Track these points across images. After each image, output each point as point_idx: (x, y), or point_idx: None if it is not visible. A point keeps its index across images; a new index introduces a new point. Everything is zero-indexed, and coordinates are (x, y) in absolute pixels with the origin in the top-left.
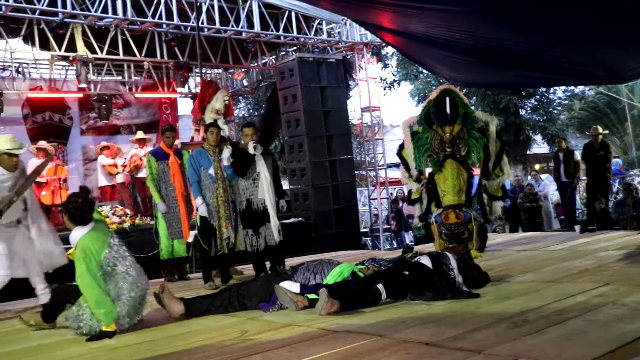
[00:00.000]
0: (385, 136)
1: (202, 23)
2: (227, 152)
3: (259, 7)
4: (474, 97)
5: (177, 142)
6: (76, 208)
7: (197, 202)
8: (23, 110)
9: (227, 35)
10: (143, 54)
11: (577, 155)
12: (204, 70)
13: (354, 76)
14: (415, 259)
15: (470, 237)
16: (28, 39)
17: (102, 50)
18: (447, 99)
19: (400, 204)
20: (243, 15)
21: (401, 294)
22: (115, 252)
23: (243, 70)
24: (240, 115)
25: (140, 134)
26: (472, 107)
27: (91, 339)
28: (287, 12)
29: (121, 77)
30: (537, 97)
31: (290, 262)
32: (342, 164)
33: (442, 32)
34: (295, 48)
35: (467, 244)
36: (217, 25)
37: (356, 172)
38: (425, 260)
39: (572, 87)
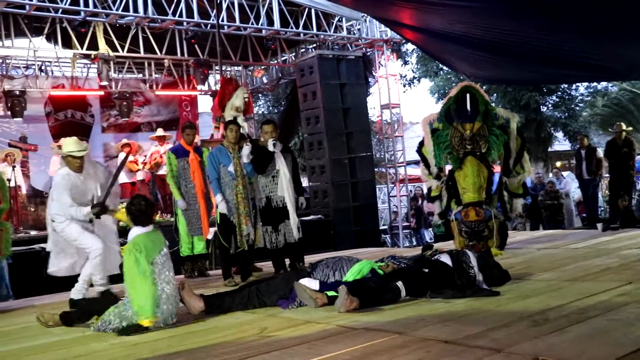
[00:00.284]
0: (405, 133)
1: (222, 20)
2: (246, 149)
3: (279, 4)
4: (495, 94)
5: (197, 140)
6: (139, 210)
7: (217, 199)
8: (46, 108)
9: (247, 33)
10: (163, 52)
11: (600, 152)
12: (223, 68)
13: (374, 73)
14: (435, 257)
15: (491, 235)
16: (51, 37)
17: (123, 48)
18: (468, 95)
19: (420, 202)
20: (263, 13)
21: (421, 292)
22: (163, 263)
23: (263, 67)
24: (260, 112)
25: (160, 132)
26: (493, 104)
27: (123, 332)
28: (306, 9)
29: (142, 75)
30: (559, 93)
31: (309, 259)
32: (362, 161)
33: (462, 28)
34: (314, 45)
35: (487, 241)
36: (237, 22)
37: (376, 169)
38: (445, 259)
39: (595, 84)
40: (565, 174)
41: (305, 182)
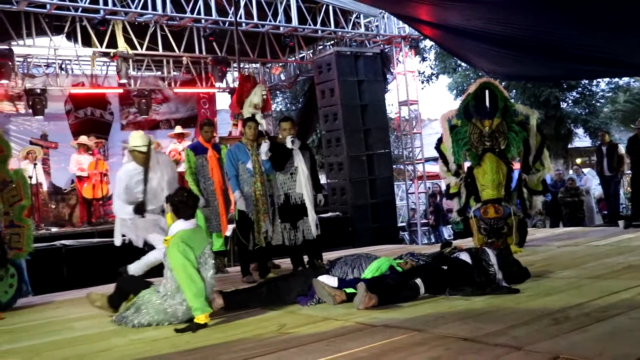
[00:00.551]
0: (423, 130)
1: (240, 18)
2: (265, 146)
3: (297, 1)
4: (514, 90)
5: (215, 137)
6: (180, 201)
7: (235, 196)
8: (66, 106)
9: (264, 30)
10: (182, 50)
11: (621, 149)
12: (242, 65)
13: (392, 70)
14: (454, 254)
15: (510, 232)
16: (71, 36)
17: (141, 46)
18: (487, 92)
19: (438, 199)
20: (281, 10)
21: (439, 289)
22: (205, 260)
23: (281, 64)
24: (278, 109)
25: (178, 129)
26: (512, 100)
27: (182, 330)
28: (324, 6)
29: (160, 73)
30: (579, 89)
31: (327, 256)
32: (380, 158)
33: (480, 24)
34: (332, 42)
35: (507, 238)
36: (255, 19)
37: (394, 166)
38: (465, 256)
39: (617, 79)
40: (585, 170)
41: (323, 179)
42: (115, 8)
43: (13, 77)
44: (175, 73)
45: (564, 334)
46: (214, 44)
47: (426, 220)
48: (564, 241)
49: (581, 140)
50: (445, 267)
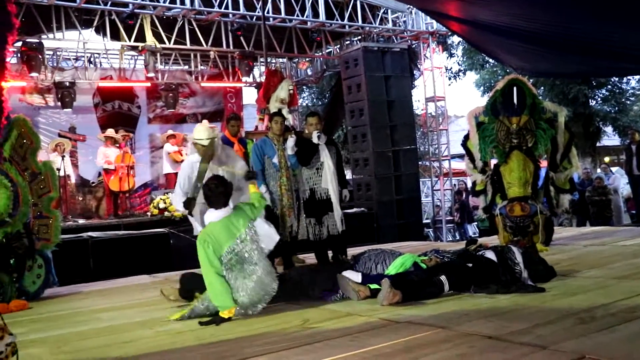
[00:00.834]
0: (450, 127)
1: (268, 12)
2: (291, 141)
3: None
4: (542, 87)
5: (241, 131)
6: (210, 189)
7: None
8: (94, 99)
9: (292, 25)
10: (209, 44)
11: None
12: (269, 60)
13: (419, 66)
14: (480, 252)
15: (536, 231)
16: (100, 29)
17: (169, 40)
18: (515, 88)
19: (464, 196)
20: (308, 5)
21: (464, 287)
22: (243, 248)
23: (307, 59)
24: (304, 104)
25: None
26: (540, 98)
27: (204, 323)
28: (352, 1)
29: (187, 67)
30: (609, 87)
31: (352, 251)
32: (406, 154)
33: (509, 20)
34: (359, 37)
35: (533, 237)
36: (283, 14)
37: (419, 162)
38: (490, 255)
39: None
40: (614, 169)
41: (348, 175)
42: (143, 2)
43: (43, 70)
44: (202, 67)
45: (590, 334)
46: (242, 38)
47: (451, 218)
48: (590, 240)
49: (610, 138)
50: (470, 265)
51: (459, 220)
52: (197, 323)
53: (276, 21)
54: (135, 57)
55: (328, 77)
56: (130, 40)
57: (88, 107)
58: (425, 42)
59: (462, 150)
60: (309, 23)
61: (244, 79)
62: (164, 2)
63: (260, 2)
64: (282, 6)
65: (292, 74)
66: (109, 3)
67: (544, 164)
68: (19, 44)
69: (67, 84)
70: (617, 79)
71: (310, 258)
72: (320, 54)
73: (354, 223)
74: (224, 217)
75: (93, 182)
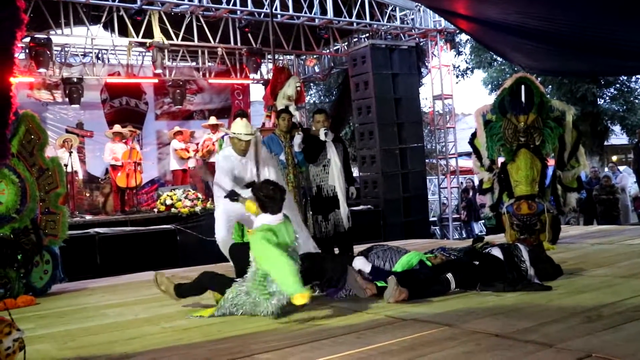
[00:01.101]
0: (457, 124)
1: (276, 9)
2: (298, 138)
3: None
4: (550, 86)
5: None
6: (266, 196)
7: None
8: (102, 95)
9: (300, 22)
10: (217, 40)
11: None
12: (276, 57)
13: (427, 63)
14: (486, 250)
15: (543, 229)
16: (108, 25)
17: (177, 36)
18: (523, 87)
19: (471, 194)
20: (316, 2)
21: (470, 284)
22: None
23: (315, 56)
24: (312, 101)
25: (212, 120)
26: (548, 96)
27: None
28: None
29: (195, 63)
30: (617, 86)
31: (358, 249)
32: (413, 151)
33: (518, 18)
34: (367, 35)
35: (539, 235)
36: (291, 11)
37: (426, 160)
38: (497, 252)
39: None
40: (621, 168)
41: (355, 172)
42: None
43: (51, 66)
44: (210, 64)
45: (596, 333)
46: (249, 35)
47: (458, 215)
48: (597, 239)
49: (618, 137)
50: (477, 263)
51: (466, 218)
52: (203, 320)
53: (284, 18)
54: (143, 54)
55: (335, 74)
56: (138, 37)
57: (96, 103)
58: (433, 39)
59: (469, 148)
60: (316, 20)
61: (252, 75)
62: None
63: None
64: (290, 3)
65: (300, 71)
66: None
67: (551, 162)
68: (27, 39)
69: (75, 80)
70: (625, 77)
71: None
72: (327, 51)
73: (360, 220)
74: (279, 223)
75: (101, 179)
